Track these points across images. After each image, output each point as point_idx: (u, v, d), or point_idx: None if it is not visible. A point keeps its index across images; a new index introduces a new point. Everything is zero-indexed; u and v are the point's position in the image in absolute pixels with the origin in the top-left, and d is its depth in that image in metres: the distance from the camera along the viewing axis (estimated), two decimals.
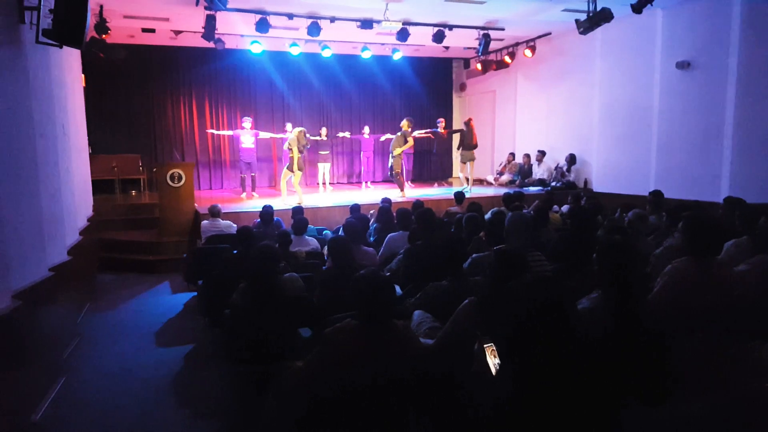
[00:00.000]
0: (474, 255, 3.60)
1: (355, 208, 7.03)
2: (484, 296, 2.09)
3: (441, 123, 12.34)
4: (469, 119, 11.66)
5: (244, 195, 10.94)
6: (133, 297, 6.73)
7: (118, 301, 6.52)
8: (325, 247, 6.35)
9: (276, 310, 3.12)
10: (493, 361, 1.91)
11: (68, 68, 6.84)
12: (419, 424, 2.11)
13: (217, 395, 3.87)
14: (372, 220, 6.97)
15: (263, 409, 2.40)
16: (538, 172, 11.90)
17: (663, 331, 2.12)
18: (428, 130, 12.58)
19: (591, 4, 8.13)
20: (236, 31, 10.36)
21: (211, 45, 10.49)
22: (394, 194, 9.99)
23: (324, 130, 12.03)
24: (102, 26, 8.77)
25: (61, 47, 4.78)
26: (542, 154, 11.91)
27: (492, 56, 12.61)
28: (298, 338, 3.13)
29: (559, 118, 11.73)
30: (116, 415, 3.77)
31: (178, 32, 10.57)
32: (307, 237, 6.01)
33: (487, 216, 6.01)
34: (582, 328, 1.79)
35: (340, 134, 12.61)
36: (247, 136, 10.77)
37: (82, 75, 9.50)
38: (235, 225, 7.63)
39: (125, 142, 11.94)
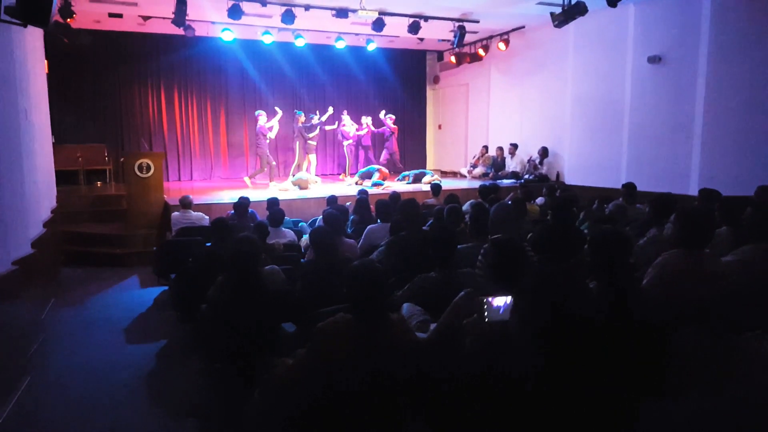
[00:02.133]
0: (459, 246, 3.55)
1: (332, 200, 6.93)
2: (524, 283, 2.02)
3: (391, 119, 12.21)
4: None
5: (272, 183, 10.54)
6: (100, 291, 6.48)
7: (84, 296, 6.26)
8: (302, 239, 6.27)
9: (257, 305, 3.00)
10: (491, 314, 1.89)
11: (31, 52, 6.51)
12: (415, 421, 2.04)
13: (193, 394, 3.74)
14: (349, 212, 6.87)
15: (247, 408, 2.29)
16: (511, 165, 11.97)
17: (658, 321, 2.10)
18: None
19: None
20: (207, 17, 10.07)
21: (180, 32, 10.19)
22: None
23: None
24: (67, 10, 8.39)
25: (25, 26, 4.51)
26: (515, 147, 11.98)
27: (466, 49, 12.60)
28: (281, 334, 3.02)
29: (531, 111, 11.81)
30: (85, 417, 3.60)
31: (146, 18, 10.21)
32: (284, 229, 5.88)
33: (465, 207, 6.01)
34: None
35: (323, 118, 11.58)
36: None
37: (45, 61, 9.10)
38: (207, 217, 7.46)
39: (90, 131, 11.49)
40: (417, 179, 11.38)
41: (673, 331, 2.05)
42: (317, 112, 11.51)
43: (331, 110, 11.68)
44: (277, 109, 11.11)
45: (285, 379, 2.05)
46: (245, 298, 3.04)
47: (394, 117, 12.43)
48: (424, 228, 4.42)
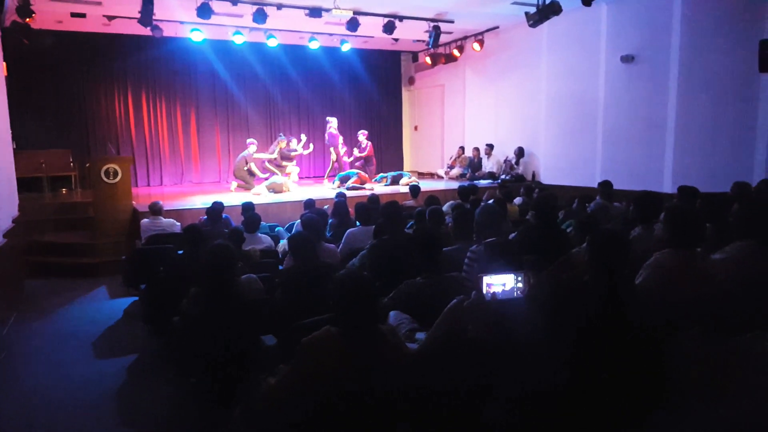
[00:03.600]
0: (444, 249, 3.44)
1: (309, 203, 6.75)
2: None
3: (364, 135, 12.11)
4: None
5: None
6: (66, 304, 6.18)
7: (49, 309, 5.96)
8: (280, 245, 6.09)
9: (234, 316, 2.84)
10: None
11: None
12: None
13: (167, 411, 3.54)
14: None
15: (227, 429, 2.13)
16: (488, 165, 11.96)
17: (656, 323, 2.03)
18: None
19: None
20: (175, 17, 9.77)
21: (147, 32, 9.90)
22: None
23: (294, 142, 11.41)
24: (25, 9, 8.03)
25: None
26: (491, 147, 11.98)
27: (441, 50, 12.57)
28: (260, 347, 2.86)
29: (507, 111, 11.83)
30: None
31: (111, 18, 9.86)
32: (260, 234, 5.70)
33: (444, 209, 5.92)
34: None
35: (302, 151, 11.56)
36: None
37: (3, 63, 8.70)
38: (178, 223, 7.20)
39: (54, 136, 11.03)
40: (395, 181, 11.27)
41: (670, 333, 1.97)
42: (294, 140, 11.36)
43: (304, 138, 11.59)
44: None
45: (269, 399, 1.90)
46: (221, 310, 2.87)
47: (366, 132, 12.25)
48: (406, 230, 4.31)
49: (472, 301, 1.86)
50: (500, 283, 1.85)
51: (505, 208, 5.65)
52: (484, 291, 1.84)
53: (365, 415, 1.81)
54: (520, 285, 1.86)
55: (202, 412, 3.09)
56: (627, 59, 8.66)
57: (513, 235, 3.74)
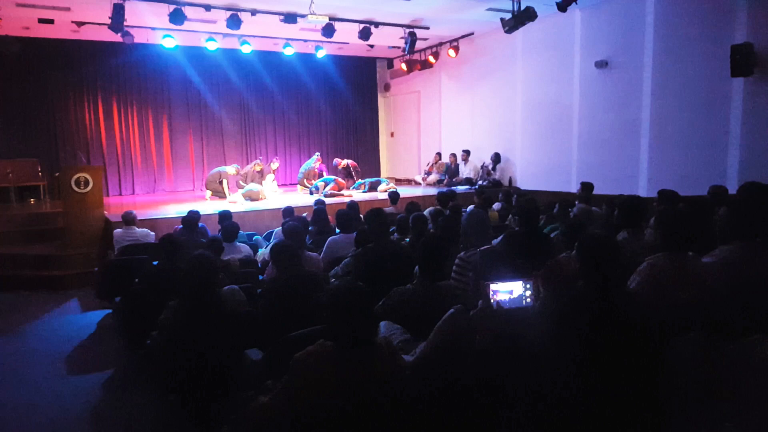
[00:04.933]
0: None
1: (288, 211, 6.64)
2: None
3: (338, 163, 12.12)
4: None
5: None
6: (36, 318, 5.95)
7: (18, 324, 5.73)
8: (258, 254, 5.97)
9: (216, 330, 2.73)
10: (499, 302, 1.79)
11: None
12: None
13: (146, 429, 3.40)
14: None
15: None
16: (465, 171, 12.00)
17: (651, 327, 2.01)
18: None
19: (515, 4, 8.24)
20: (147, 23, 9.57)
21: (118, 39, 9.70)
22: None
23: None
24: None
25: None
26: (467, 153, 12.02)
27: (416, 56, 12.58)
28: (245, 361, 2.76)
29: (483, 117, 11.89)
30: None
31: (80, 23, 9.62)
32: (238, 243, 5.58)
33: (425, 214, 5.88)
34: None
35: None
36: None
37: None
38: (152, 233, 7.02)
39: (21, 145, 10.71)
40: (372, 187, 11.23)
41: (668, 337, 1.96)
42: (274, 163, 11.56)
43: (277, 164, 11.74)
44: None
45: (261, 418, 1.81)
46: (202, 323, 2.76)
47: (339, 161, 12.23)
48: (392, 238, 4.25)
49: (479, 310, 1.80)
50: (507, 291, 1.81)
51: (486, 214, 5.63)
52: (491, 300, 1.78)
53: (361, 430, 1.74)
54: (528, 293, 1.82)
55: (182, 429, 2.98)
56: (601, 65, 8.79)
57: (496, 241, 3.71)
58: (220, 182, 10.27)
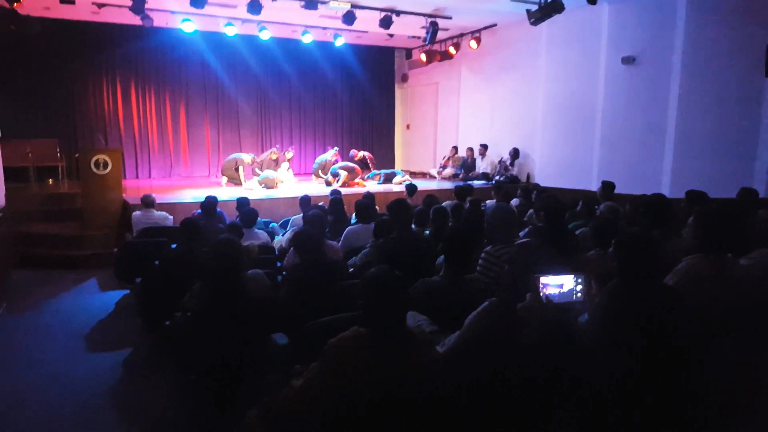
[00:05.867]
0: None
1: (305, 200, 6.63)
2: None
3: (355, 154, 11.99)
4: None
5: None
6: (56, 296, 6.00)
7: (38, 301, 5.78)
8: (275, 241, 5.97)
9: (241, 314, 2.72)
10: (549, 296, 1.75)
11: None
12: None
13: (166, 410, 3.41)
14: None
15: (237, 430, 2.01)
16: (482, 166, 11.90)
17: (690, 329, 1.96)
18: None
19: None
20: (167, 6, 9.55)
21: (137, 22, 9.69)
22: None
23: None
24: None
25: None
26: (485, 147, 11.92)
27: (436, 47, 12.46)
28: (271, 345, 2.75)
29: (502, 111, 11.77)
30: None
31: (101, 5, 9.60)
32: (256, 230, 5.58)
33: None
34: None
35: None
36: None
37: None
38: (170, 216, 7.06)
39: (41, 126, 10.76)
40: (388, 179, 11.18)
41: (709, 339, 1.91)
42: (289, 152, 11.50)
43: (291, 153, 11.69)
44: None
45: (293, 403, 1.79)
46: (228, 306, 2.75)
47: (355, 152, 12.09)
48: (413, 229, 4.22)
49: (527, 303, 1.76)
50: (556, 285, 1.76)
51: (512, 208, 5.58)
52: (541, 294, 1.73)
53: (393, 420, 1.72)
54: (579, 287, 1.77)
55: (203, 411, 2.98)
56: (628, 60, 8.61)
57: (523, 234, 3.67)
58: (236, 169, 10.27)
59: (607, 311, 1.87)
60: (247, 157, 10.49)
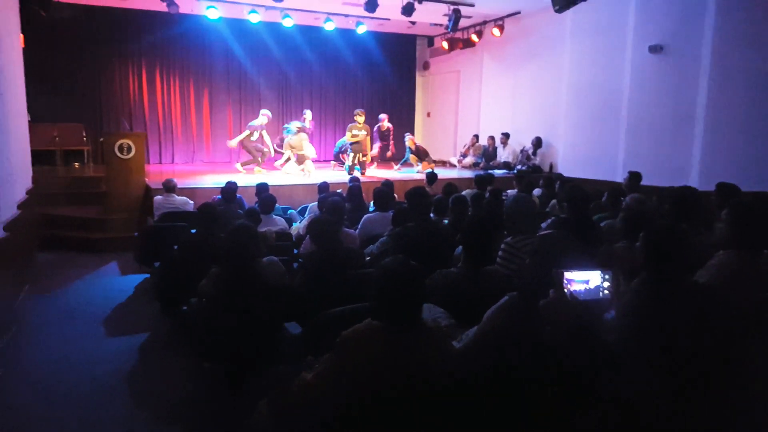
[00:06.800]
0: None
1: (323, 187, 6.61)
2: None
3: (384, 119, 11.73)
4: None
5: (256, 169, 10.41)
6: (78, 278, 6.10)
7: (61, 283, 5.88)
8: (292, 227, 5.97)
9: (257, 300, 2.71)
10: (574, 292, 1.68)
11: (3, 21, 6.03)
12: None
13: (182, 394, 3.44)
14: None
15: (252, 422, 2.00)
16: (503, 154, 11.76)
17: (723, 325, 1.87)
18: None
19: None
20: None
21: (163, 9, 9.74)
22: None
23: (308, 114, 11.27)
24: None
25: None
26: (506, 136, 11.76)
27: (458, 35, 12.28)
28: (285, 335, 2.73)
29: (525, 100, 11.58)
30: (62, 417, 3.28)
31: None
32: (274, 216, 5.58)
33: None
34: None
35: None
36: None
37: (21, 35, 8.55)
38: (191, 201, 7.11)
39: (68, 110, 10.92)
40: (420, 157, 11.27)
41: (744, 336, 1.82)
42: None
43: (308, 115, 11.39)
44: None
45: (303, 396, 1.76)
46: (243, 293, 2.75)
47: (386, 116, 11.88)
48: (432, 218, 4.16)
49: (552, 299, 1.68)
50: (582, 280, 1.68)
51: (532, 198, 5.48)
52: (565, 290, 1.65)
53: (405, 417, 1.68)
54: (606, 284, 1.69)
55: (216, 398, 2.99)
56: (655, 49, 8.36)
57: (545, 225, 3.59)
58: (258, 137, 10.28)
59: (635, 310, 1.79)
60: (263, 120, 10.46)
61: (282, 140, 10.85)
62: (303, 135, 10.38)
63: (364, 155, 10.28)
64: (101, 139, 8.60)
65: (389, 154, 11.44)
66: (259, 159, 10.34)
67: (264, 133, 10.44)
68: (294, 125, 10.45)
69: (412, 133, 12.52)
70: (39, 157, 9.51)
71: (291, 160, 10.38)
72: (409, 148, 11.73)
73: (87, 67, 11.29)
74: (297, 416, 1.77)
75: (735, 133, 7.42)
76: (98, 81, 11.47)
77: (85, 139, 10.70)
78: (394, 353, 1.70)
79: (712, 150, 7.70)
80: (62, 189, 8.75)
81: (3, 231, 4.76)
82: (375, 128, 11.30)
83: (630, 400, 1.50)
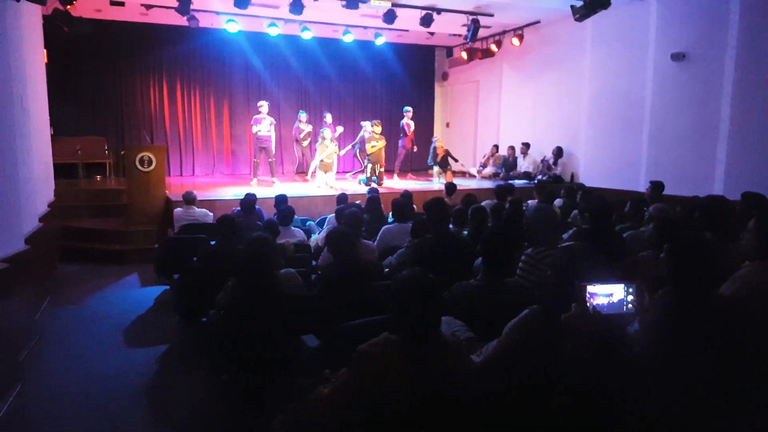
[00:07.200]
0: None
1: (342, 198, 6.60)
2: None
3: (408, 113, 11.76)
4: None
5: (254, 181, 10.49)
6: (98, 290, 6.17)
7: (81, 295, 5.95)
8: (311, 239, 5.96)
9: (273, 313, 2.68)
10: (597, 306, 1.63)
11: (28, 37, 6.19)
12: None
13: (200, 406, 3.42)
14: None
15: None
16: (523, 165, 11.64)
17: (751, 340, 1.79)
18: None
19: None
20: (212, 7, 9.75)
21: (183, 23, 9.89)
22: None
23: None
24: None
25: (18, 0, 4.18)
26: (527, 146, 11.65)
27: (477, 45, 12.24)
28: (302, 347, 2.70)
29: (545, 109, 11.47)
30: (81, 429, 3.28)
31: (149, 7, 9.86)
32: (293, 228, 5.57)
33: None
34: None
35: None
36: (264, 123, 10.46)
37: (45, 50, 8.76)
38: (211, 213, 7.15)
39: (90, 123, 11.16)
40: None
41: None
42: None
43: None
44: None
45: (319, 411, 1.71)
46: (260, 305, 2.72)
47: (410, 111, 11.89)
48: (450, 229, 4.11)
49: (574, 313, 1.62)
50: (606, 294, 1.62)
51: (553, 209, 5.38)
52: (588, 303, 1.60)
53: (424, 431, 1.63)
54: (630, 297, 1.63)
55: (233, 411, 2.96)
56: (678, 57, 8.22)
57: (566, 236, 3.51)
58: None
59: (660, 324, 1.72)
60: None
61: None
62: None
63: (381, 166, 10.30)
64: (122, 152, 8.73)
65: (415, 149, 11.59)
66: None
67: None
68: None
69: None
70: (62, 170, 9.70)
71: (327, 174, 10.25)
72: (435, 148, 11.60)
73: (108, 81, 11.52)
74: (312, 430, 1.73)
75: (760, 141, 7.22)
76: (119, 94, 11.68)
77: (106, 152, 10.88)
78: (412, 368, 1.65)
79: (737, 159, 7.50)
80: (84, 201, 8.88)
81: (24, 244, 4.82)
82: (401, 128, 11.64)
83: (654, 415, 1.43)
